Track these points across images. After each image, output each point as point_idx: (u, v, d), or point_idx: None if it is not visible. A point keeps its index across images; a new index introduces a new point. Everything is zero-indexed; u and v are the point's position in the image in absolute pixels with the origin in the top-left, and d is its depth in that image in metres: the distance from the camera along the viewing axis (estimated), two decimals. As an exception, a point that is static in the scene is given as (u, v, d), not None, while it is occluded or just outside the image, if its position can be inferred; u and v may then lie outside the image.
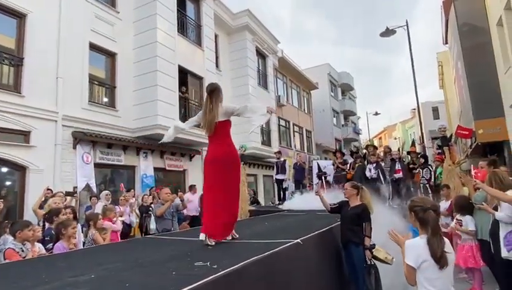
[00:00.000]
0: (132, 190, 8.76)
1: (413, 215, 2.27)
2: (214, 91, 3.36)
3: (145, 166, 10.32)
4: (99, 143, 9.05)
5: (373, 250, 3.91)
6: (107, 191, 7.61)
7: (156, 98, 9.95)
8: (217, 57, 14.25)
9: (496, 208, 3.83)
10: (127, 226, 6.93)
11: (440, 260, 2.11)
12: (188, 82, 11.74)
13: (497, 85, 11.92)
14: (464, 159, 12.28)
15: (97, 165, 9.00)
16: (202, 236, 3.19)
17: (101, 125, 9.25)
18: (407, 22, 13.11)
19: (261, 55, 17.59)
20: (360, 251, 4.00)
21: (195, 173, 12.55)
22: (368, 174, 8.67)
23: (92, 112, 9.11)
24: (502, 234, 3.56)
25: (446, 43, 20.82)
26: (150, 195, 8.33)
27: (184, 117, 11.17)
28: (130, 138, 9.97)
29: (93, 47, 9.44)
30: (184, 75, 11.47)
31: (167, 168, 11.23)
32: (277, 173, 10.85)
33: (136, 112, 10.15)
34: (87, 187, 8.47)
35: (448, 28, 18.18)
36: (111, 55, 10.06)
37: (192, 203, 8.35)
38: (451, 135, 9.65)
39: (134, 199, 8.06)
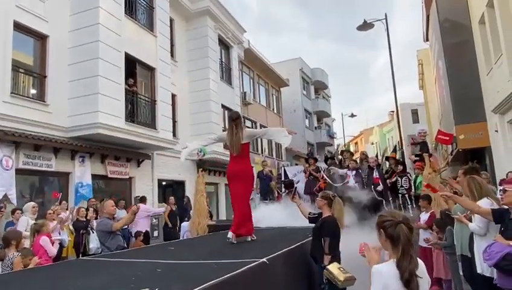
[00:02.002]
0: (64, 202, 8.43)
1: (383, 233, 2.17)
2: (238, 118, 4.99)
3: (82, 173, 9.96)
4: (24, 144, 8.65)
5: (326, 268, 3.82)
6: (33, 203, 7.26)
7: (96, 91, 9.64)
8: (172, 45, 14.09)
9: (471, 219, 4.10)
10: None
11: (408, 284, 2.00)
12: (137, 73, 11.52)
13: (479, 87, 12.77)
14: (445, 166, 13.04)
15: (20, 172, 8.57)
16: (230, 234, 4.68)
17: (27, 123, 8.82)
18: (386, 15, 13.79)
19: (224, 45, 17.61)
20: (319, 268, 4.13)
21: (143, 181, 12.26)
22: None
23: (16, 106, 8.65)
24: (478, 247, 3.79)
25: (427, 40, 22.12)
26: (88, 208, 8.04)
27: (131, 114, 10.94)
28: (64, 138, 9.60)
29: (18, 27, 8.97)
30: (132, 64, 11.25)
31: (109, 175, 10.89)
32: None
33: (72, 107, 9.79)
34: (5, 198, 8.00)
35: (429, 24, 19.32)
36: (41, 38, 9.65)
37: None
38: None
39: (67, 212, 7.75)
